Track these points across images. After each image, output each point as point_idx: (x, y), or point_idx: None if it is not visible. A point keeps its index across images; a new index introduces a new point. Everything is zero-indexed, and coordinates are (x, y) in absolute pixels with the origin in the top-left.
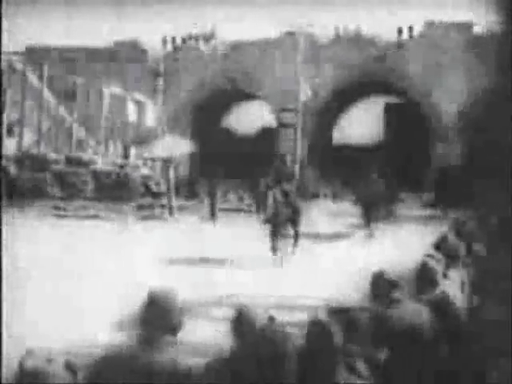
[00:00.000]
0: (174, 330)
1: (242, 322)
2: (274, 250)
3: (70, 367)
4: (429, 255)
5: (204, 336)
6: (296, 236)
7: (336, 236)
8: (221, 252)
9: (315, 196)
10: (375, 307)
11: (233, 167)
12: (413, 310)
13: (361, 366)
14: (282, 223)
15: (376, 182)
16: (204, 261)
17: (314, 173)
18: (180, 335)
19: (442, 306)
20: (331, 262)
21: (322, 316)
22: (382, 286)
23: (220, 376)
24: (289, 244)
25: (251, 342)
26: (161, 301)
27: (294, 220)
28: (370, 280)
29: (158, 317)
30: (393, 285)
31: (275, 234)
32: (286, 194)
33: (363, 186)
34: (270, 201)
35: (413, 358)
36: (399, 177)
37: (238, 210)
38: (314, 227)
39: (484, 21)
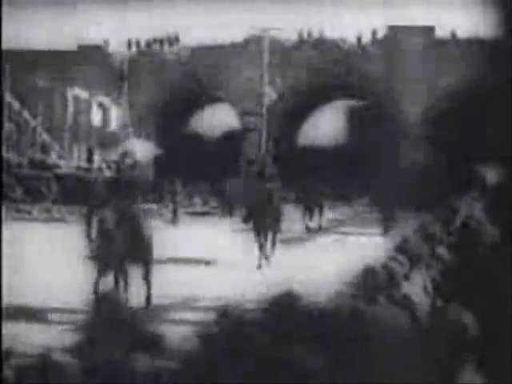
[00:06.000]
0: (124, 330)
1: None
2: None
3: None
4: (391, 257)
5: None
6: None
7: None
8: None
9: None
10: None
11: (197, 170)
12: (390, 312)
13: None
14: (115, 259)
15: (261, 190)
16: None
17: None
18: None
19: (404, 308)
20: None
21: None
22: (371, 282)
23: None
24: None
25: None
26: (110, 302)
27: (141, 255)
28: (359, 275)
29: (108, 318)
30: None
31: (98, 276)
32: (124, 216)
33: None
34: (95, 227)
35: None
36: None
37: (203, 214)
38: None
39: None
